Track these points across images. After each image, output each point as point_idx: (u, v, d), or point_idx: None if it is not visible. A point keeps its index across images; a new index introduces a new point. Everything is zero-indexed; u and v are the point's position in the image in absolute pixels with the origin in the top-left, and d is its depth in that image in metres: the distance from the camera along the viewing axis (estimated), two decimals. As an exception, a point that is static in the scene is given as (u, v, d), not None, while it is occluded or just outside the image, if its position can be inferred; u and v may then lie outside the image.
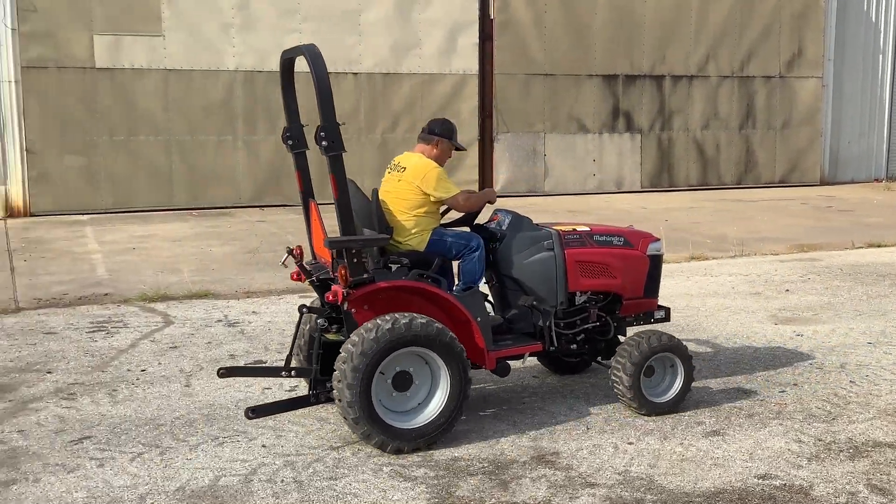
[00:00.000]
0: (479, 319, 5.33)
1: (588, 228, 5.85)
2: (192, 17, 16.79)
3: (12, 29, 15.80)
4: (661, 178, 20.83)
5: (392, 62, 18.38)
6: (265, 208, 17.03)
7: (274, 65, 17.76)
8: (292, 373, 5.42)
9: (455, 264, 5.79)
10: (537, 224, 5.85)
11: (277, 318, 8.38)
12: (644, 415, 5.52)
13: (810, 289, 9.56)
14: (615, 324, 5.86)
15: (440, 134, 5.75)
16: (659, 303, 6.09)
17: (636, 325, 6.00)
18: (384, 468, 4.83)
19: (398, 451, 4.96)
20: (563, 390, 6.19)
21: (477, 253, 5.60)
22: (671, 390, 5.61)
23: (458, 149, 5.88)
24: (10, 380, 6.55)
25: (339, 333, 5.31)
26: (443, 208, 5.80)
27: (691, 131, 20.91)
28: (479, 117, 19.16)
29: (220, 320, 8.42)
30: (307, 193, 5.66)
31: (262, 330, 7.99)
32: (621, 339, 5.85)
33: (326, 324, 5.35)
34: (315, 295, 5.75)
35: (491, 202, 5.93)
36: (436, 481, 4.66)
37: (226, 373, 5.44)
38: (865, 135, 22.73)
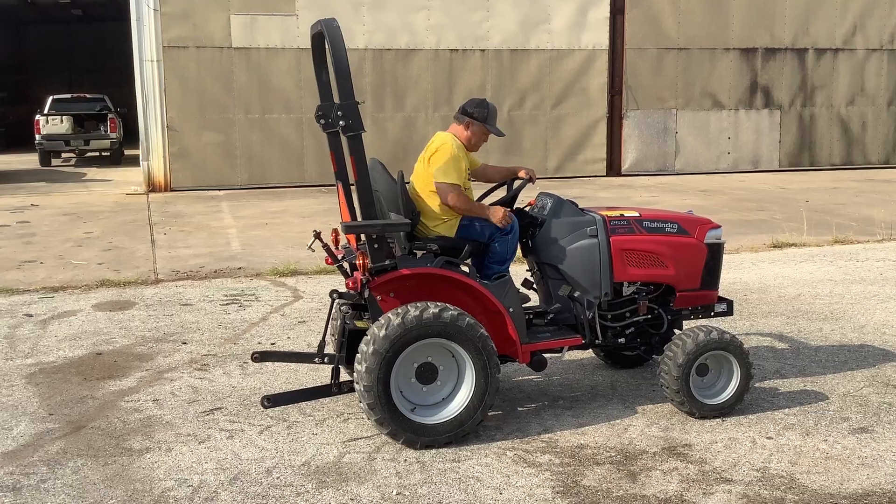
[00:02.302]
0: (511, 309, 4.98)
1: (637, 214, 5.41)
2: (323, -5, 17.02)
3: (154, 10, 16.41)
4: (801, 157, 19.90)
5: (520, 38, 18.15)
6: (392, 185, 17.19)
7: (402, 43, 17.95)
8: (325, 359, 5.20)
9: None
10: (582, 209, 5.44)
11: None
12: (698, 417, 5.08)
13: (968, 277, 8.88)
14: (669, 317, 5.40)
15: (472, 115, 5.30)
16: (720, 294, 5.63)
17: (694, 318, 5.57)
18: (507, 452, 4.73)
19: (428, 447, 4.73)
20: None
21: (510, 235, 5.24)
22: (726, 391, 5.11)
23: (494, 133, 5.38)
24: (147, 349, 6.78)
25: (367, 320, 5.09)
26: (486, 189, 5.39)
27: (835, 108, 19.86)
28: (608, 94, 18.73)
29: (346, 296, 8.50)
30: (341, 175, 5.31)
31: (387, 307, 8.00)
32: (677, 333, 5.42)
33: (350, 310, 5.11)
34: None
35: (489, 220, 5.21)
36: (561, 469, 4.52)
37: (259, 357, 5.28)
38: None
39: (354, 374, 4.79)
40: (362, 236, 5.10)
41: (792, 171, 19.57)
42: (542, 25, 18.21)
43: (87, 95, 24.31)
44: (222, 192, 16.71)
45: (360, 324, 5.23)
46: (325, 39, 5.17)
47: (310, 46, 5.44)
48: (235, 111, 17.16)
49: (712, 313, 5.61)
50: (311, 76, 18.83)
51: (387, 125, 17.42)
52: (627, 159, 18.96)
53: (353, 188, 5.21)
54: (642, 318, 5.39)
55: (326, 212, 14.13)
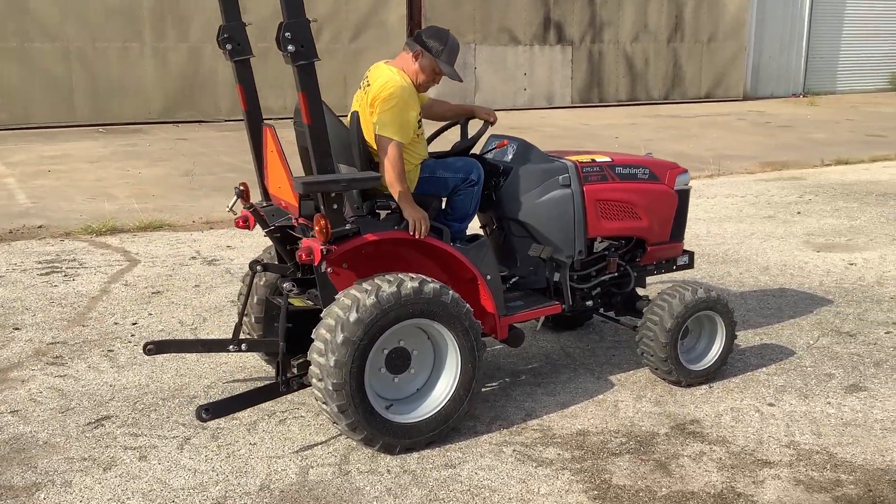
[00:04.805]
0: (488, 277, 4.25)
1: (609, 159, 4.78)
2: None
3: None
4: (591, 94, 20.22)
5: (314, -37, 16.80)
6: (180, 125, 15.46)
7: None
8: (243, 346, 4.26)
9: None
10: (548, 154, 4.73)
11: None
12: (684, 386, 4.60)
13: (820, 210, 9.12)
14: (635, 274, 4.85)
15: (423, 45, 4.30)
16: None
17: (657, 274, 5.08)
18: (504, 449, 3.99)
19: (408, 450, 3.92)
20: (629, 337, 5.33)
21: (476, 186, 4.47)
22: (709, 355, 4.66)
23: (449, 76, 4.34)
24: (-32, 341, 5.31)
25: (304, 298, 4.21)
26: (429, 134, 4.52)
27: (621, 44, 20.29)
28: (407, 27, 17.90)
29: (193, 257, 7.28)
30: (254, 114, 4.41)
31: (252, 269, 6.89)
32: (640, 292, 4.97)
33: (294, 286, 4.19)
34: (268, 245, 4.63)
35: (404, 212, 4.13)
36: (577, 465, 3.85)
37: (155, 348, 4.25)
38: (785, 49, 22.71)
39: (314, 368, 3.81)
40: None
41: (584, 107, 19.84)
42: (337, -49, 16.97)
43: None
44: (-24, 134, 14.26)
45: (296, 302, 4.23)
46: None
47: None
48: (-14, 38, 14.61)
49: (674, 267, 5.09)
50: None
51: (170, 56, 15.56)
52: (427, 95, 18.31)
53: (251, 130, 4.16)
54: (608, 276, 4.78)
55: (114, 155, 12.41)
